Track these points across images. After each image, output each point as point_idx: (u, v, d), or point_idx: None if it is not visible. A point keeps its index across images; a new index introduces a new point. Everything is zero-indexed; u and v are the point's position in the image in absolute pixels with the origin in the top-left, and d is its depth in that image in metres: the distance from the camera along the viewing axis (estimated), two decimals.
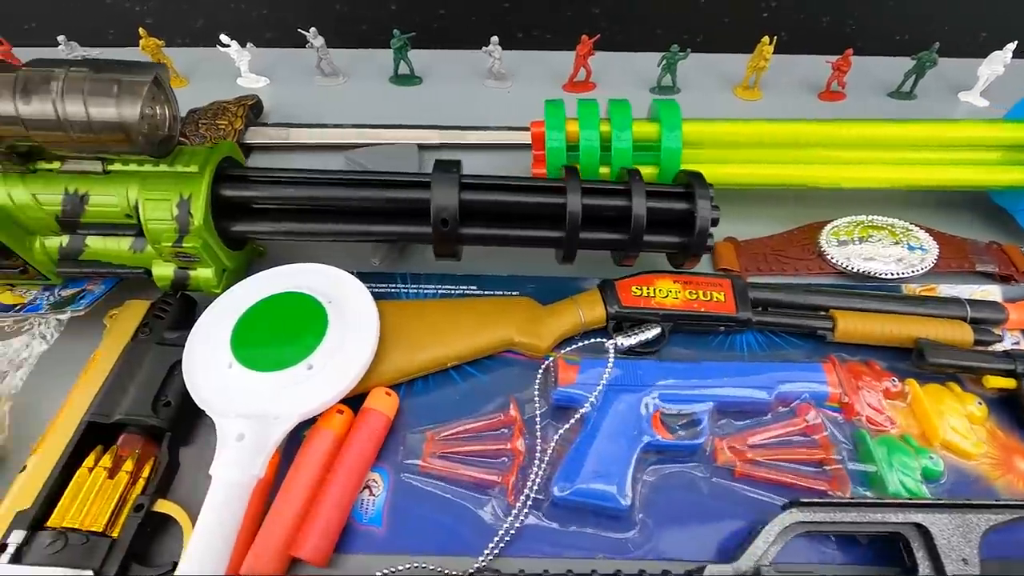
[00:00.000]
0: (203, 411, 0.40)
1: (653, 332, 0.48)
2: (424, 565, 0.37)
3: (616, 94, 0.57)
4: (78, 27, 0.79)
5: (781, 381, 0.45)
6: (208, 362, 0.42)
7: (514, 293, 0.53)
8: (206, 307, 0.46)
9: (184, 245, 0.43)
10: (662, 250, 0.50)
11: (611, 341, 0.46)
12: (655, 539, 0.39)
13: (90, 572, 0.34)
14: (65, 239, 0.45)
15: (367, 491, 0.41)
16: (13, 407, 0.43)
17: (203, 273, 0.46)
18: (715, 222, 0.46)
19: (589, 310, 0.49)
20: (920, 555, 0.35)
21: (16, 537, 0.35)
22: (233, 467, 0.36)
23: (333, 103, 0.76)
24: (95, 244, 0.46)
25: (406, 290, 0.53)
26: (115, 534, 0.36)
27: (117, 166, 0.42)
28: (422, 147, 0.66)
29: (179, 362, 0.43)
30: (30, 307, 0.47)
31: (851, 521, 0.35)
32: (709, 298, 0.49)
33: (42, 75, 0.35)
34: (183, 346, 0.44)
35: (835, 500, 0.37)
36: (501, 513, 0.41)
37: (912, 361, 0.47)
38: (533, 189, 0.46)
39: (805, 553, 0.38)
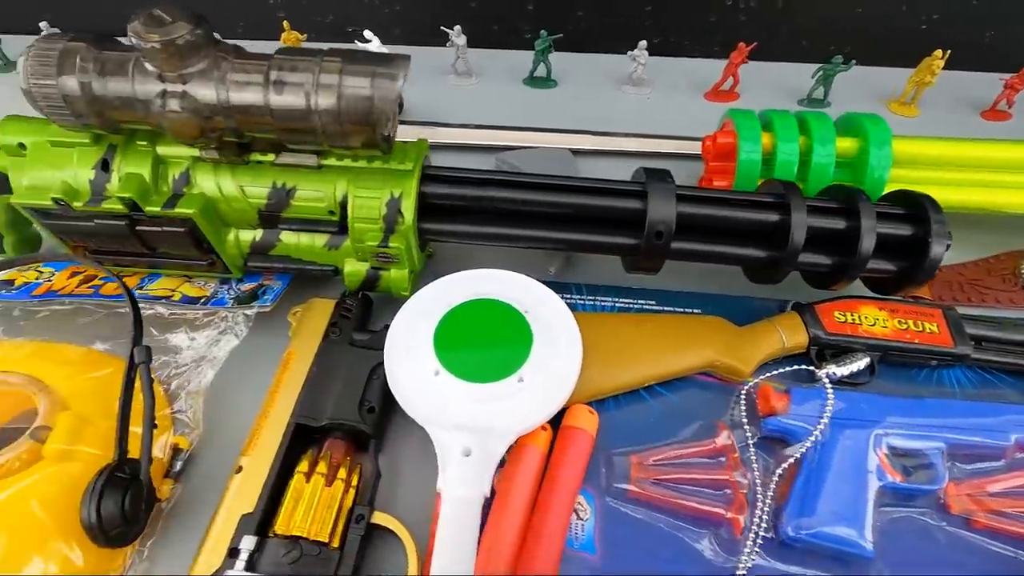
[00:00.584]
0: (394, 416, 0.38)
1: (863, 362, 0.44)
2: None
3: (760, 104, 0.54)
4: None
5: (1017, 423, 0.41)
6: (413, 369, 0.40)
7: (694, 311, 0.50)
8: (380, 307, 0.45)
9: (389, 245, 0.42)
10: (875, 274, 0.47)
11: (824, 371, 0.43)
12: None
13: None
14: (259, 233, 0.44)
15: (574, 515, 0.39)
16: (207, 398, 0.42)
17: (396, 274, 0.45)
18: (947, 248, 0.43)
19: (791, 334, 0.46)
20: None
21: (248, 543, 0.33)
22: (463, 484, 0.35)
23: (467, 103, 0.74)
24: (288, 239, 0.44)
25: (582, 302, 0.51)
26: (335, 544, 0.34)
27: (331, 160, 0.41)
28: (575, 152, 0.64)
29: (378, 366, 0.41)
30: (215, 301, 0.46)
31: None
32: (921, 329, 0.45)
33: (292, 64, 0.34)
34: (373, 348, 0.43)
35: None
36: (719, 548, 0.38)
37: None
38: (751, 204, 0.43)
39: None
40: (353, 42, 0.73)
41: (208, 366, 0.43)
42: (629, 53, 0.71)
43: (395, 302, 0.49)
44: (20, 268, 0.48)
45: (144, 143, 0.40)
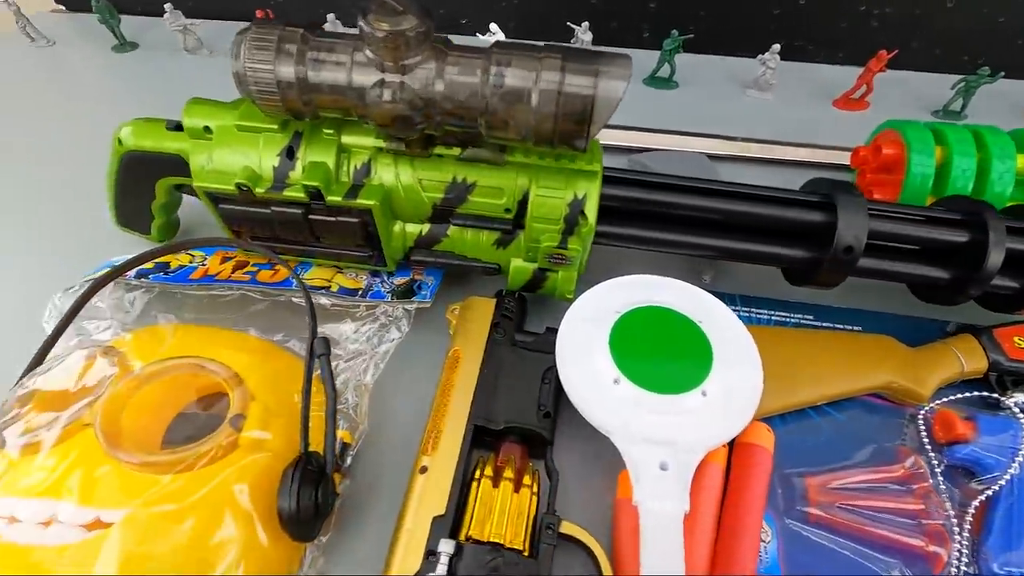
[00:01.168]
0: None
1: None
2: None
3: (891, 115, 0.52)
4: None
5: None
6: (592, 377, 0.39)
7: (855, 328, 0.48)
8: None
9: (568, 247, 0.41)
10: None
11: (1012, 399, 0.41)
12: None
13: None
14: (427, 227, 0.44)
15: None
16: (372, 393, 0.42)
17: (564, 276, 0.44)
18: None
19: (970, 359, 0.43)
20: None
21: (446, 547, 0.32)
22: (663, 499, 0.33)
23: None
24: (456, 235, 0.43)
25: (737, 312, 0.49)
26: (527, 554, 0.34)
27: (518, 157, 0.40)
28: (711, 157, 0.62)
29: (549, 369, 0.40)
30: (372, 294, 0.46)
31: None
32: None
33: (509, 59, 0.33)
34: (539, 351, 0.42)
35: None
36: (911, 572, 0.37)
37: None
38: (940, 222, 0.41)
39: None
40: (474, 35, 0.72)
41: (372, 361, 0.43)
42: (759, 57, 0.69)
43: (544, 305, 0.49)
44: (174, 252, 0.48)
45: (330, 131, 0.40)
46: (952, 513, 0.37)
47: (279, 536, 0.33)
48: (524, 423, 0.38)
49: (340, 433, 0.40)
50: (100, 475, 0.30)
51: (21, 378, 0.36)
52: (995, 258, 0.40)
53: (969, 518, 0.37)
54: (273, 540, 0.33)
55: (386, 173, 0.40)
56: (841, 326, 0.48)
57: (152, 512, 0.30)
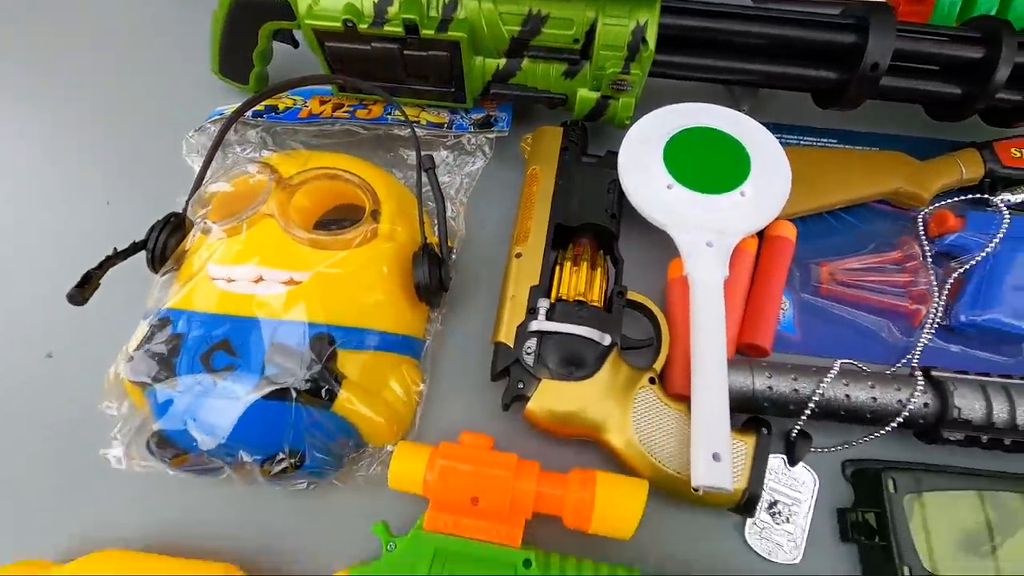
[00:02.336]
0: None
1: None
2: (851, 361, 0.44)
3: None
4: None
5: None
6: (649, 184, 0.47)
7: (873, 148, 0.55)
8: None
9: (631, 72, 0.47)
10: None
11: (999, 197, 0.49)
12: None
13: (608, 336, 0.42)
14: (503, 61, 0.50)
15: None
16: (466, 207, 0.51)
17: (624, 102, 0.50)
18: None
19: (969, 167, 0.51)
20: None
21: (544, 304, 0.43)
22: (708, 268, 0.43)
23: None
24: (528, 68, 0.50)
25: None
26: (607, 310, 0.44)
27: None
28: None
29: (612, 181, 0.49)
30: (457, 126, 0.53)
31: None
32: None
33: None
34: (604, 167, 0.50)
35: None
36: (898, 333, 0.47)
37: None
38: (959, 40, 0.47)
39: None
40: None
41: (463, 181, 0.51)
42: None
43: (602, 135, 0.56)
44: (279, 96, 0.55)
45: None
46: (935, 281, 0.47)
47: (414, 303, 0.44)
48: (597, 221, 0.47)
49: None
50: (285, 249, 0.40)
51: (193, 191, 0.45)
52: (1003, 72, 0.46)
53: (947, 286, 0.47)
54: (410, 306, 0.44)
55: (470, 7, 0.46)
56: (861, 147, 0.55)
57: (326, 274, 0.40)
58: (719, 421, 0.37)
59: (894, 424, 0.40)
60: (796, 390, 0.40)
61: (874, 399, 0.40)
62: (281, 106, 0.55)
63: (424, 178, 0.45)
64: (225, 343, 0.37)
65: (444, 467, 0.37)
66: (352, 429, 0.39)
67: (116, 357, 0.40)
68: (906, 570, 0.36)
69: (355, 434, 0.40)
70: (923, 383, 0.40)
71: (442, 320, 0.48)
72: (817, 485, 0.41)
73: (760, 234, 0.49)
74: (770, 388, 0.40)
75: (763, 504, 0.41)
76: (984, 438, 0.39)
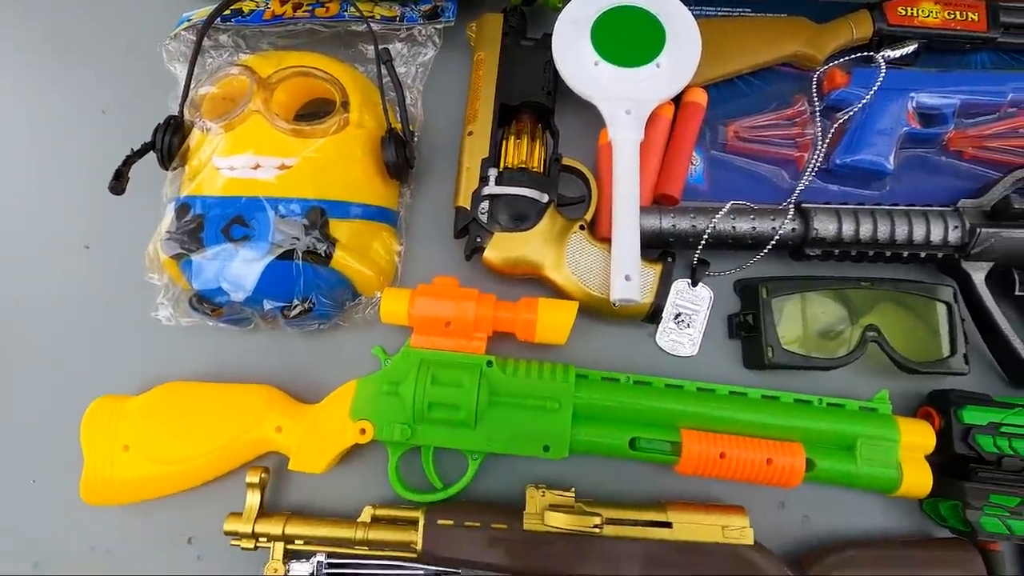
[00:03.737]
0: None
1: (912, 47, 0.58)
2: (748, 203, 0.54)
3: None
4: None
5: (1015, 88, 0.57)
6: (578, 62, 0.54)
7: (781, 15, 0.62)
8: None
9: None
10: None
11: (880, 53, 0.57)
12: (900, 195, 0.56)
13: (547, 195, 0.52)
14: None
15: (690, 163, 0.58)
16: (423, 94, 0.58)
17: None
18: None
19: (859, 27, 0.58)
20: None
21: (493, 172, 0.52)
22: (628, 130, 0.52)
23: None
24: None
25: (690, 10, 0.62)
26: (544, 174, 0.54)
27: None
28: None
29: (548, 62, 0.56)
30: (407, 19, 0.58)
31: None
32: (965, 18, 0.58)
33: None
34: (542, 49, 0.56)
35: None
36: (789, 178, 0.57)
37: None
38: None
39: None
40: None
41: (417, 71, 0.58)
42: None
43: (539, 20, 0.62)
44: None
45: None
46: (819, 132, 0.56)
47: (386, 180, 0.53)
48: (535, 99, 0.55)
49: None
50: (274, 139, 0.48)
51: (184, 96, 0.52)
52: None
53: (829, 134, 0.56)
54: (383, 182, 0.53)
55: None
56: (772, 14, 0.62)
57: (311, 158, 0.49)
58: (631, 251, 0.48)
59: (770, 246, 0.51)
60: (694, 226, 0.51)
61: (754, 228, 0.51)
62: (246, 9, 0.59)
63: (384, 69, 0.52)
64: (239, 218, 0.47)
65: (422, 301, 0.48)
66: (348, 281, 0.50)
67: (147, 242, 0.50)
68: (770, 351, 0.49)
69: (351, 285, 0.51)
70: (792, 213, 0.50)
71: (411, 193, 0.57)
72: (712, 299, 0.53)
73: (676, 100, 0.57)
74: (674, 226, 0.51)
75: (670, 316, 0.53)
76: (836, 252, 0.51)
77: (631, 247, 0.48)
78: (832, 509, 0.49)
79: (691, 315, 0.53)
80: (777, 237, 0.50)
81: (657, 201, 0.55)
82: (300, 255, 0.47)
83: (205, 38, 0.56)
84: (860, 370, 0.51)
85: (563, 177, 0.55)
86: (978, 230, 0.49)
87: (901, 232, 0.49)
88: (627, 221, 0.49)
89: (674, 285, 0.53)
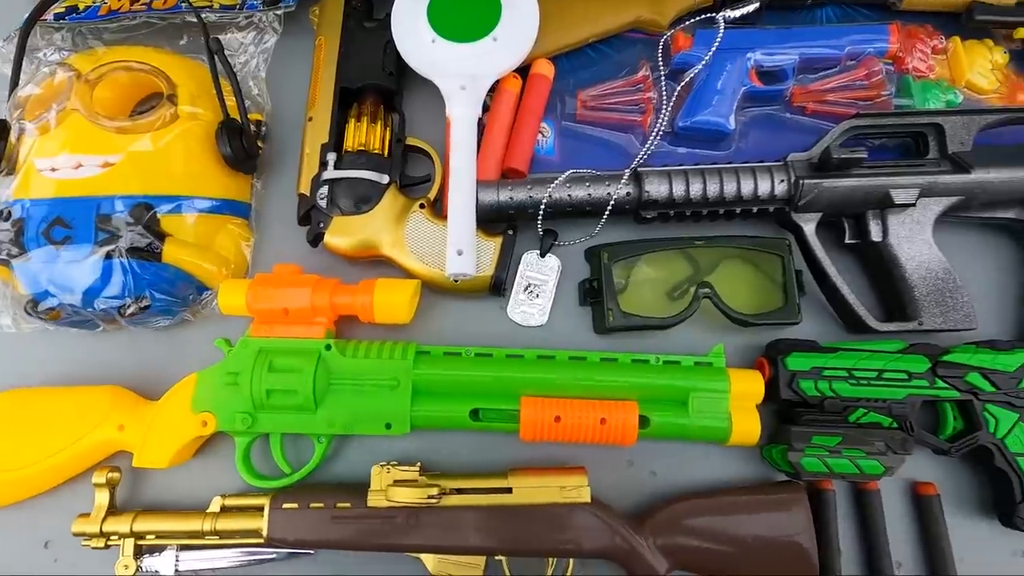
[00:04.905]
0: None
1: (754, 5, 0.58)
2: (590, 171, 0.55)
3: None
4: None
5: (852, 41, 0.57)
6: (416, 40, 0.54)
7: None
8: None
9: None
10: None
11: (720, 14, 0.58)
12: (747, 154, 0.57)
13: (386, 176, 0.52)
14: None
15: (540, 135, 0.58)
16: (268, 82, 0.58)
17: None
18: None
19: None
20: (932, 145, 0.52)
21: (331, 157, 0.52)
22: (463, 107, 0.52)
23: None
24: None
25: None
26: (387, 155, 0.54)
27: None
28: None
29: (388, 42, 0.55)
30: (247, 6, 0.57)
31: (891, 124, 0.52)
32: None
33: None
34: (384, 30, 0.56)
35: (881, 112, 0.53)
36: (638, 143, 0.58)
37: (962, 21, 0.58)
38: None
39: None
40: None
41: (260, 58, 0.57)
42: None
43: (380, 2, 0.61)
44: None
45: None
46: (664, 95, 0.57)
47: (230, 172, 0.53)
48: (375, 80, 0.55)
49: (254, 115, 0.57)
50: (95, 137, 0.48)
51: (9, 96, 0.51)
52: None
53: (673, 98, 0.57)
54: (226, 174, 0.53)
55: None
56: None
57: (137, 153, 0.48)
58: (464, 226, 0.49)
59: (607, 212, 0.51)
60: (531, 197, 0.51)
61: (589, 195, 0.51)
62: (82, 5, 0.58)
63: (216, 60, 0.52)
64: (59, 220, 0.46)
65: (258, 291, 0.48)
66: (189, 276, 0.50)
67: None
68: (610, 315, 0.50)
69: (193, 280, 0.51)
70: (626, 178, 0.51)
71: (264, 183, 0.57)
72: (560, 268, 0.54)
73: (525, 73, 0.57)
74: (511, 198, 0.51)
75: (521, 287, 0.53)
76: (672, 213, 0.51)
77: (464, 222, 0.49)
78: (679, 464, 0.50)
79: (540, 285, 0.54)
80: (613, 202, 0.51)
81: (505, 175, 0.56)
82: (123, 253, 0.46)
83: (39, 37, 0.55)
84: (713, 326, 0.52)
85: (415, 158, 0.56)
86: (801, 182, 0.50)
87: (730, 189, 0.50)
88: (461, 196, 0.49)
89: (524, 257, 0.54)
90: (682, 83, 0.57)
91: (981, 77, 0.58)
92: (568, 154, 0.58)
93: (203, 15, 0.55)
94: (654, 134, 0.56)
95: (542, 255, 0.54)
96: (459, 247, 0.48)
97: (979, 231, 0.55)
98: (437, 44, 0.54)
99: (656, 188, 0.50)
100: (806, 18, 0.61)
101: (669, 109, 0.57)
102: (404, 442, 0.51)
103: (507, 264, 0.51)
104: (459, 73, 0.53)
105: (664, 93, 0.57)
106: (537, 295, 0.53)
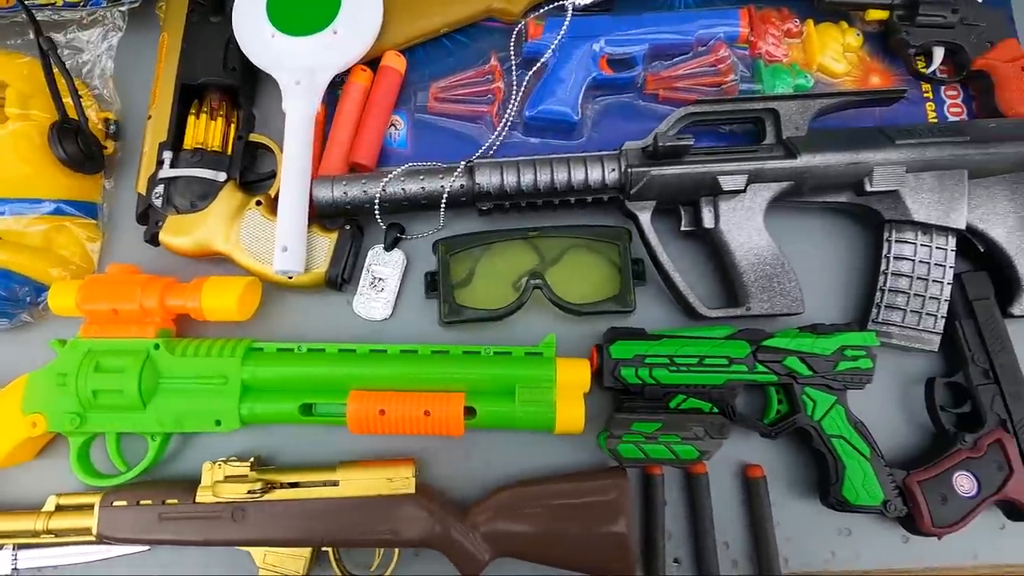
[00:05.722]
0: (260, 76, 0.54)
1: None
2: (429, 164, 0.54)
3: None
4: None
5: (702, 26, 0.57)
6: (256, 35, 0.54)
7: None
8: None
9: None
10: None
11: (569, 1, 0.57)
12: (599, 143, 0.57)
13: (223, 173, 0.52)
14: None
15: (393, 128, 0.58)
16: (115, 79, 0.57)
17: None
18: None
19: None
20: (770, 129, 0.52)
21: (167, 155, 0.52)
22: (297, 100, 0.52)
23: None
24: None
25: None
26: (230, 152, 0.53)
27: None
28: None
29: (231, 37, 0.55)
30: (91, 3, 0.57)
31: (727, 111, 0.52)
32: None
33: None
34: (229, 25, 0.56)
35: (717, 99, 0.53)
36: (486, 131, 0.58)
37: (815, 4, 0.58)
38: None
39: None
40: None
41: (106, 55, 0.57)
42: None
43: None
44: None
45: None
46: (515, 87, 0.57)
47: (71, 173, 0.53)
48: (215, 76, 0.54)
49: (103, 113, 0.56)
50: None
51: None
52: None
53: (524, 88, 0.57)
54: (67, 174, 0.52)
55: None
56: None
57: None
58: (291, 222, 0.49)
59: (443, 204, 0.51)
60: (365, 192, 0.51)
61: (423, 188, 0.51)
62: None
63: (50, 59, 0.51)
64: None
65: (86, 292, 0.48)
66: (23, 278, 0.50)
67: None
68: (445, 307, 0.51)
69: (29, 281, 0.50)
70: (461, 170, 0.51)
71: (115, 183, 0.57)
72: (405, 261, 0.54)
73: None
74: (345, 194, 0.51)
75: (367, 282, 0.54)
76: (507, 204, 0.52)
77: (293, 218, 0.49)
78: (519, 453, 0.51)
79: (385, 279, 0.54)
80: (447, 195, 0.51)
81: (353, 170, 0.56)
82: None
83: None
84: (562, 316, 0.52)
85: (259, 153, 0.56)
86: (630, 170, 0.50)
87: (561, 178, 0.50)
88: (290, 192, 0.49)
89: (371, 251, 0.54)
90: (531, 72, 0.57)
91: (833, 60, 0.58)
92: (421, 146, 0.58)
93: (45, 13, 0.55)
94: (502, 124, 0.56)
95: (387, 249, 0.54)
96: (284, 243, 0.48)
97: (824, 215, 0.55)
98: (276, 38, 0.53)
99: (488, 180, 0.50)
100: (663, 4, 0.61)
101: (518, 99, 0.57)
102: (249, 437, 0.51)
103: (343, 259, 0.51)
104: (296, 67, 0.53)
105: (515, 83, 0.57)
106: (382, 289, 0.54)
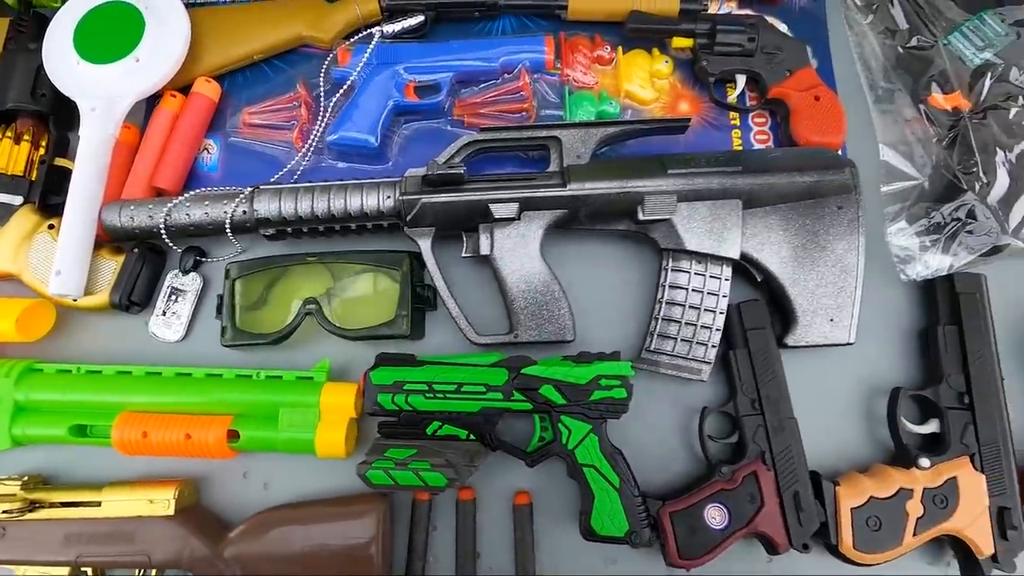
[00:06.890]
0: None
1: (416, 20, 0.59)
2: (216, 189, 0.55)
3: None
4: None
5: (507, 52, 0.58)
6: (61, 62, 0.55)
7: None
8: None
9: None
10: None
11: (378, 28, 0.58)
12: (404, 167, 0.57)
13: (20, 197, 0.53)
14: None
15: (206, 152, 0.59)
16: None
17: None
18: None
19: (364, 5, 0.59)
20: (554, 156, 0.52)
21: None
22: (92, 128, 0.53)
23: None
24: None
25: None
26: (33, 177, 0.55)
27: None
28: None
29: (41, 65, 0.57)
30: None
31: (510, 138, 0.52)
32: None
33: None
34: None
35: (501, 127, 0.54)
36: (292, 152, 0.58)
37: (623, 31, 0.59)
38: None
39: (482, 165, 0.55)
40: None
41: None
42: None
43: None
44: None
45: None
46: (322, 112, 0.58)
47: None
48: (23, 103, 0.56)
49: None
50: None
51: None
52: None
53: (330, 114, 0.58)
54: None
55: None
56: None
57: None
58: (69, 246, 0.50)
59: (228, 231, 0.52)
60: (151, 217, 0.52)
61: (207, 214, 0.52)
62: None
63: None
64: None
65: None
66: None
67: None
68: (225, 331, 0.51)
69: None
70: (243, 197, 0.52)
71: None
72: (201, 285, 0.55)
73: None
74: (132, 219, 0.52)
75: (162, 304, 0.55)
76: (290, 230, 0.52)
77: (71, 242, 0.50)
78: (294, 476, 0.52)
79: (179, 302, 0.55)
80: (229, 221, 0.52)
81: (159, 194, 0.57)
82: None
83: None
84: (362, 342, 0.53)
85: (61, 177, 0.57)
86: (404, 198, 0.50)
87: (337, 206, 0.51)
88: (72, 216, 0.51)
89: (171, 273, 0.55)
90: (335, 98, 0.58)
91: (640, 88, 0.58)
92: (231, 170, 0.59)
93: None
94: (305, 149, 0.57)
95: (183, 272, 0.55)
96: (59, 267, 0.49)
97: (623, 244, 0.56)
98: (81, 66, 0.55)
99: (266, 207, 0.51)
100: (481, 31, 0.61)
101: (323, 125, 0.58)
102: (42, 456, 0.52)
103: (125, 282, 0.52)
104: (95, 94, 0.54)
105: (322, 109, 0.58)
106: (176, 312, 0.55)
